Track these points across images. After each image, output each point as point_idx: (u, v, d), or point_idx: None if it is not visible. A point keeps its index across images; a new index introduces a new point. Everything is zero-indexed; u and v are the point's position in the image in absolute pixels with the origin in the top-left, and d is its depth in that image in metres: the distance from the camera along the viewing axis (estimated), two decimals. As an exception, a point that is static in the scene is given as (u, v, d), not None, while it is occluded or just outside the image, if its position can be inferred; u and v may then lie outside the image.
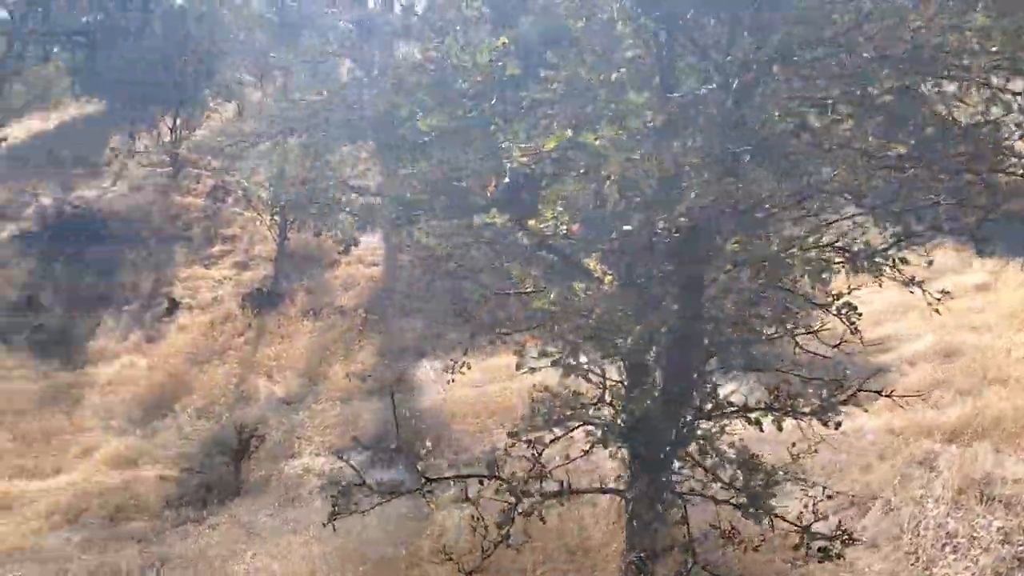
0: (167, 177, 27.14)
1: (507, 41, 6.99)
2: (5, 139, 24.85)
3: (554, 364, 7.42)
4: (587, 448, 7.80)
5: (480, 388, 15.52)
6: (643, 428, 7.57)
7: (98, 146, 29.41)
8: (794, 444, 8.41)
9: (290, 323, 20.14)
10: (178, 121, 26.90)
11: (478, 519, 7.25)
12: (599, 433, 7.70)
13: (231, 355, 19.19)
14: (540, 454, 7.53)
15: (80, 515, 13.58)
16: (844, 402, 7.73)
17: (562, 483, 7.71)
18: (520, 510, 7.37)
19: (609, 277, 7.49)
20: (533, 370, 7.57)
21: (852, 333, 7.38)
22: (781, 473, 7.60)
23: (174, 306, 21.64)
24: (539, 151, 6.49)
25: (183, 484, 14.47)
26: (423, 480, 7.60)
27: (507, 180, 6.71)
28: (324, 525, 7.40)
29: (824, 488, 8.12)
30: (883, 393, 7.92)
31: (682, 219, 6.36)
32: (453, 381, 8.82)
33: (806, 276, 6.79)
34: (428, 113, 7.63)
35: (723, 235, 6.88)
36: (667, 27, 6.80)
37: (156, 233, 24.86)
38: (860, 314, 7.36)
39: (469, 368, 8.63)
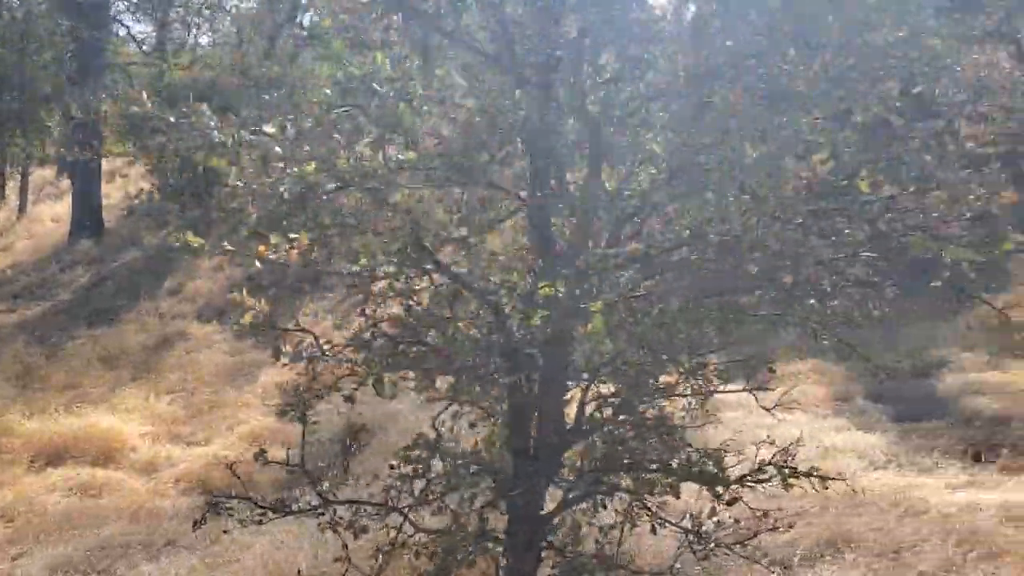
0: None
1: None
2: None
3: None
4: (444, 491, 7.01)
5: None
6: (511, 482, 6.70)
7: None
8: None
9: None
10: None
11: (345, 548, 6.82)
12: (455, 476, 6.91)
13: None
14: (427, 486, 7.00)
15: (201, 484, 14.52)
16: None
17: (457, 524, 7.03)
18: (394, 544, 6.89)
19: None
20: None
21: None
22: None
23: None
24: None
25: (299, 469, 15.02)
26: (321, 501, 7.24)
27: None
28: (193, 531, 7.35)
29: None
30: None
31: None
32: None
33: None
34: None
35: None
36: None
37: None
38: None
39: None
